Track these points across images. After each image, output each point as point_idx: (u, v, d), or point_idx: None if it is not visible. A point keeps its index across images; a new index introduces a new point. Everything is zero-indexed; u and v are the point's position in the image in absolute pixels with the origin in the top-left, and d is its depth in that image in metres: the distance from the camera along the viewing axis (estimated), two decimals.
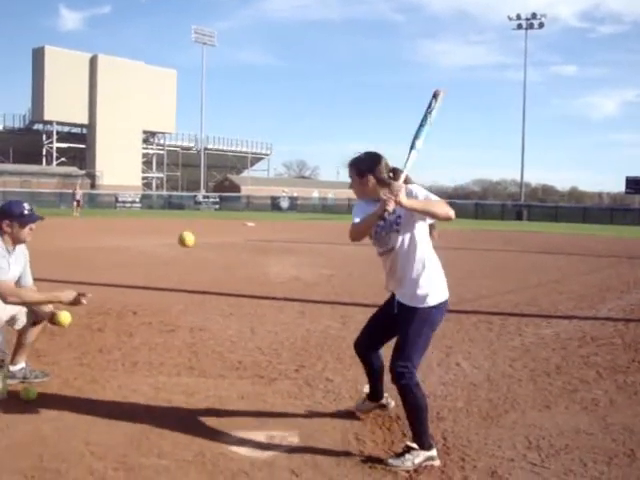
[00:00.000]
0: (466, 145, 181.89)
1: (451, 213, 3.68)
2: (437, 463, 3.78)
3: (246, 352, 6.24)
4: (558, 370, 6.00)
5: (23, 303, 4.74)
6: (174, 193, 74.83)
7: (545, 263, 17.25)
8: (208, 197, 66.19)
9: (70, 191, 50.32)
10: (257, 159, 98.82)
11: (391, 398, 4.50)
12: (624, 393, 5.35)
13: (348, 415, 4.55)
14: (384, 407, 4.55)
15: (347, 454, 3.88)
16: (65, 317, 4.79)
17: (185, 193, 75.57)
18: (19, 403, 4.53)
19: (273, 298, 9.48)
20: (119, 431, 4.12)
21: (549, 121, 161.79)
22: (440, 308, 3.89)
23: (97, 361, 5.78)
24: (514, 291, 11.18)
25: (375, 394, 4.50)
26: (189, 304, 8.74)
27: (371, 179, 3.87)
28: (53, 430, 4.09)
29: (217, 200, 64.67)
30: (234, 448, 3.92)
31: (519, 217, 62.19)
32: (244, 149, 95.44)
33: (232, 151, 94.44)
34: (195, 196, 66.20)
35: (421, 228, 3.84)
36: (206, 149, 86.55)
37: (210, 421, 4.35)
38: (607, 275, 14.37)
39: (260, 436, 4.11)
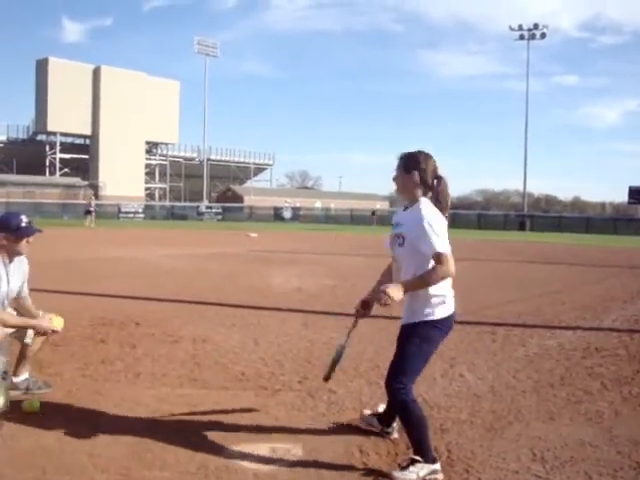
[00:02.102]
0: (468, 155, 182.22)
1: (449, 272, 3.64)
2: (440, 477, 3.75)
3: (249, 363, 6.23)
4: (562, 381, 5.98)
5: (3, 325, 4.64)
6: (177, 204, 75.02)
7: (548, 273, 17.23)
8: (211, 208, 66.41)
9: (84, 202, 50.42)
10: (260, 169, 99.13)
11: (397, 431, 4.40)
12: (629, 405, 5.32)
13: (351, 427, 4.53)
14: (387, 434, 4.44)
15: (351, 467, 3.86)
16: (58, 322, 4.84)
17: (188, 204, 75.70)
18: (22, 415, 4.51)
19: (275, 309, 9.47)
20: (122, 443, 4.10)
21: (551, 131, 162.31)
22: (438, 325, 3.84)
23: (100, 372, 5.77)
24: (517, 301, 11.16)
25: (386, 420, 4.42)
26: (192, 314, 8.73)
27: (415, 175, 3.84)
28: (55, 442, 4.07)
29: (220, 211, 64.85)
30: (237, 461, 3.90)
31: (522, 227, 62.19)
32: (247, 160, 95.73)
33: (235, 162, 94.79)
34: (198, 207, 66.37)
35: (422, 249, 3.75)
36: (209, 160, 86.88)
37: (213, 433, 4.33)
38: (610, 285, 14.34)
39: (263, 449, 4.09)
